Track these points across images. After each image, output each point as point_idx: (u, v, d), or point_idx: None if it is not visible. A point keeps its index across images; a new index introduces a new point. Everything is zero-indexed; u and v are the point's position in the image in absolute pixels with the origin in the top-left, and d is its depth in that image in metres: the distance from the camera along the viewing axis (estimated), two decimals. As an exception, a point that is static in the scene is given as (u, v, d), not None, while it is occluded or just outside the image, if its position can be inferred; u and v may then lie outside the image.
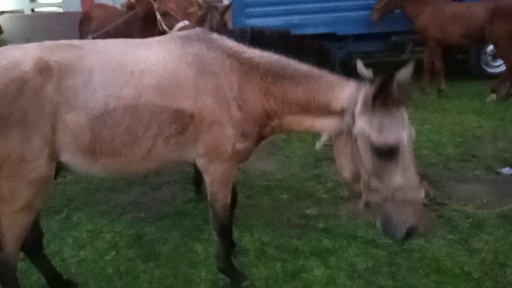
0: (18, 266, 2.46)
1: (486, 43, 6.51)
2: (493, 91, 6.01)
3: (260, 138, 2.30)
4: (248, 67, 2.10)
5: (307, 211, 3.40)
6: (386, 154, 1.80)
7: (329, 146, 4.67)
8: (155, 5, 3.89)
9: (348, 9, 6.48)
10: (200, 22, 3.86)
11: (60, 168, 2.10)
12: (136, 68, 2.02)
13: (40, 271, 2.56)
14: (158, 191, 3.89)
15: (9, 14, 12.61)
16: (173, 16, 3.79)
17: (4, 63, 1.84)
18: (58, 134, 1.93)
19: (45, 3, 13.90)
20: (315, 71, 2.04)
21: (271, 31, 2.19)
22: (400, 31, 6.74)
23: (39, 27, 12.64)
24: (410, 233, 1.84)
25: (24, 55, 1.89)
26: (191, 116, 2.06)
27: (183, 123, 2.07)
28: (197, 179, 3.65)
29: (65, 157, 2.02)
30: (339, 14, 6.55)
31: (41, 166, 1.92)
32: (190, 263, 2.83)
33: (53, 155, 1.97)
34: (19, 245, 2.15)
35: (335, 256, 2.83)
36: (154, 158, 2.13)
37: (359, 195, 2.01)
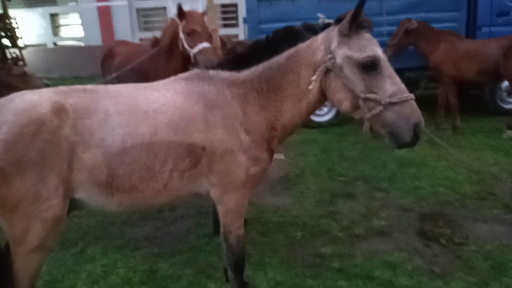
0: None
1: (501, 80, 6.51)
2: (509, 128, 5.97)
3: (271, 155, 2.39)
4: (245, 89, 2.28)
5: (322, 250, 3.35)
6: (371, 67, 2.03)
7: (343, 182, 4.67)
8: (182, 25, 4.03)
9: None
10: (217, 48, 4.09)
11: (72, 207, 2.12)
12: (149, 108, 2.13)
13: None
14: (172, 225, 3.89)
15: (33, 48, 13.13)
16: (198, 36, 3.95)
17: (22, 106, 1.91)
18: (74, 173, 1.99)
19: (67, 37, 14.47)
20: (292, 50, 2.24)
21: (242, 48, 2.47)
22: (414, 68, 6.81)
23: (60, 59, 13.14)
24: (417, 130, 2.00)
25: (41, 98, 1.98)
26: (203, 148, 2.17)
27: (196, 156, 2.17)
28: (215, 214, 3.64)
29: (80, 194, 2.07)
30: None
31: (55, 205, 1.96)
32: (204, 302, 2.80)
33: (68, 193, 2.02)
34: (33, 283, 2.15)
35: (351, 298, 2.77)
36: (170, 192, 2.20)
37: (360, 123, 2.19)
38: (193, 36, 3.97)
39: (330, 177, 4.86)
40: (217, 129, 2.19)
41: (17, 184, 1.86)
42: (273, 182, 4.81)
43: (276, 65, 2.26)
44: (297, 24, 2.33)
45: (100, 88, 2.23)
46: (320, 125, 6.82)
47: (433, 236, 3.50)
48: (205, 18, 4.22)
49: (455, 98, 6.18)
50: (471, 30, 6.86)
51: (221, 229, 2.46)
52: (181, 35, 4.05)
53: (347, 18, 2.05)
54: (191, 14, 4.13)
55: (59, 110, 1.95)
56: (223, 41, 4.64)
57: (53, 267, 3.27)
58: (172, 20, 4.33)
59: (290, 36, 2.26)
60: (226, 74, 2.32)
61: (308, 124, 6.82)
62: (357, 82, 2.05)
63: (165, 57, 4.32)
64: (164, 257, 3.35)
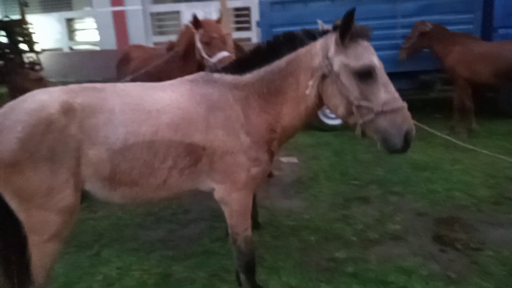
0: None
1: (517, 82, 6.41)
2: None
3: (271, 156, 2.45)
4: (247, 92, 2.36)
5: (336, 254, 3.34)
6: (366, 75, 2.10)
7: (357, 185, 4.65)
8: (198, 34, 4.05)
9: (376, 48, 6.53)
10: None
11: (83, 198, 2.26)
12: (153, 108, 2.22)
13: None
14: (186, 228, 3.92)
15: (49, 52, 13.36)
16: (216, 46, 3.97)
17: (33, 106, 2.04)
18: (82, 167, 2.12)
19: (82, 42, 14.69)
20: (292, 55, 2.32)
21: (245, 53, 2.59)
22: (428, 70, 6.75)
23: (76, 63, 13.36)
24: (407, 137, 2.09)
25: (50, 98, 2.09)
26: (203, 148, 2.26)
27: (196, 155, 2.27)
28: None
29: (88, 187, 2.21)
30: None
31: (67, 196, 2.10)
32: (217, 305, 2.81)
33: (78, 185, 2.15)
34: (49, 278, 2.27)
35: (365, 303, 2.75)
36: (169, 187, 2.32)
37: (355, 127, 2.24)
38: (212, 45, 4.00)
39: (344, 181, 4.84)
40: (218, 130, 2.27)
41: (31, 177, 2.00)
42: (286, 185, 4.81)
43: (277, 69, 2.33)
44: (310, 27, 2.37)
45: (109, 86, 2.32)
46: (333, 128, 6.80)
47: (448, 241, 3.45)
48: (221, 26, 4.25)
49: (470, 101, 6.11)
50: (487, 32, 6.77)
51: (229, 231, 2.54)
52: (198, 45, 4.07)
53: (341, 27, 2.12)
54: (208, 22, 4.15)
55: (67, 110, 2.07)
56: (238, 45, 4.66)
57: (69, 269, 3.31)
58: (187, 27, 4.37)
59: (290, 41, 2.33)
60: (229, 77, 2.40)
61: (321, 127, 6.82)
62: (353, 89, 2.13)
63: (180, 62, 4.36)
64: (178, 260, 3.37)
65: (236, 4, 13.17)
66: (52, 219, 2.10)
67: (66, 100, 2.10)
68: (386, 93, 2.11)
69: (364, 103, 2.11)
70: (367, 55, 2.13)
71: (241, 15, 13.37)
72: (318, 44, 2.26)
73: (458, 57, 6.01)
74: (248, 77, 2.38)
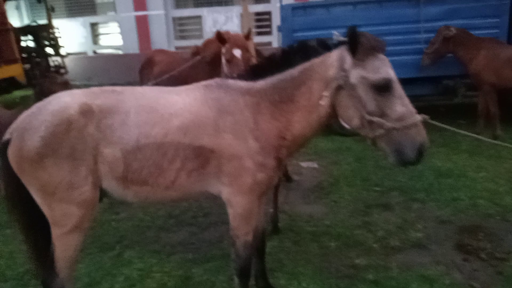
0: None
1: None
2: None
3: (279, 163, 2.44)
4: (258, 99, 2.38)
5: (357, 261, 3.31)
6: (384, 88, 2.11)
7: (378, 192, 4.60)
8: (224, 49, 4.07)
9: (399, 53, 6.47)
10: None
11: (103, 195, 2.39)
12: (165, 112, 2.31)
13: None
14: (206, 231, 3.95)
15: (74, 56, 13.70)
16: (237, 64, 3.94)
17: (56, 107, 2.21)
18: (99, 165, 2.26)
19: (106, 46, 15.00)
20: (306, 65, 2.33)
21: (259, 61, 2.65)
22: (452, 75, 6.63)
23: (100, 67, 13.64)
24: (421, 151, 2.11)
25: (72, 100, 2.25)
26: (212, 151, 2.31)
27: (205, 158, 2.32)
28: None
29: (105, 184, 2.34)
30: (389, 58, 6.56)
31: (86, 191, 2.24)
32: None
33: (96, 182, 2.29)
34: (72, 270, 2.43)
35: (386, 312, 2.73)
36: (178, 188, 2.38)
37: (366, 138, 2.25)
38: (233, 63, 3.96)
39: (365, 187, 4.79)
40: (226, 133, 2.31)
41: (54, 173, 2.17)
42: (306, 191, 4.80)
43: (290, 77, 2.35)
44: (331, 32, 2.36)
45: (128, 90, 2.43)
46: (354, 133, 6.74)
47: (472, 250, 3.39)
48: (248, 42, 4.15)
49: (495, 107, 5.96)
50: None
51: (230, 232, 2.57)
52: (222, 60, 4.08)
53: (357, 42, 2.12)
54: (234, 38, 4.10)
55: (86, 111, 2.21)
56: (257, 50, 4.68)
57: (91, 269, 3.39)
58: (219, 33, 4.38)
59: (304, 51, 2.35)
60: (243, 83, 2.45)
61: (342, 133, 6.76)
62: (369, 102, 2.14)
63: (207, 67, 4.41)
64: (198, 263, 3.41)
65: (257, 9, 13.22)
66: (72, 211, 2.25)
67: (85, 101, 2.24)
68: (402, 106, 2.12)
69: (374, 119, 2.12)
70: (385, 68, 2.14)
71: (262, 20, 13.42)
72: (334, 55, 2.27)
73: (484, 62, 5.88)
74: (261, 83, 2.41)
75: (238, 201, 2.43)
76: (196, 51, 4.63)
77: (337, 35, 2.32)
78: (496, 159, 5.37)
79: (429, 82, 6.68)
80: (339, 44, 2.28)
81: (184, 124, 2.29)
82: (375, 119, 2.12)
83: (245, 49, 4.04)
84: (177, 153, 2.28)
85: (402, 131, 2.10)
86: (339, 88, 2.21)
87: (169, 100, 2.37)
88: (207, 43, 4.55)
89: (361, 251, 3.47)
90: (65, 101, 2.24)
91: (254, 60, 4.09)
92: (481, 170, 5.03)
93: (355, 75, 2.16)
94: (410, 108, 2.13)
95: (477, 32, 6.14)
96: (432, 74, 6.53)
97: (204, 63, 4.43)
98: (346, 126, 2.35)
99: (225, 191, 2.42)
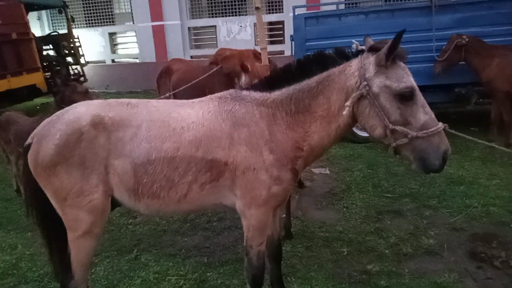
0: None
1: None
2: None
3: (295, 175, 2.42)
4: (274, 109, 2.38)
5: (369, 267, 3.35)
6: (408, 97, 2.11)
7: (390, 198, 4.61)
8: (244, 76, 4.33)
9: (411, 61, 6.48)
10: None
11: (116, 204, 2.45)
12: (178, 125, 2.33)
13: None
14: (220, 236, 4.03)
15: (93, 64, 14.01)
16: (254, 78, 4.18)
17: (71, 117, 2.31)
18: (110, 176, 2.31)
19: (124, 54, 15.29)
20: (323, 74, 2.31)
21: (275, 71, 2.62)
22: (464, 83, 6.62)
23: (118, 75, 13.93)
24: (445, 157, 2.11)
25: (86, 111, 2.33)
26: (226, 163, 2.31)
27: (218, 170, 2.32)
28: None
29: (116, 195, 2.38)
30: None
31: (97, 199, 2.30)
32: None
33: (108, 192, 2.35)
34: (86, 273, 2.51)
35: (397, 317, 2.76)
36: (191, 201, 2.39)
37: (388, 147, 2.24)
38: (251, 76, 4.26)
39: (377, 193, 4.83)
40: (241, 146, 2.29)
41: (65, 180, 2.25)
42: (319, 196, 4.85)
43: (307, 87, 2.33)
44: (343, 41, 2.39)
45: (143, 103, 2.48)
46: (366, 140, 6.78)
47: (486, 258, 3.39)
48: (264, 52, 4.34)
49: (509, 115, 5.93)
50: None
51: (244, 242, 2.57)
52: (242, 85, 4.30)
53: (385, 50, 2.11)
54: (256, 71, 4.33)
55: (97, 123, 2.27)
56: (269, 59, 4.82)
57: (109, 272, 3.50)
58: (240, 52, 4.61)
59: (321, 61, 2.34)
60: (257, 94, 2.43)
61: (354, 139, 6.80)
62: (393, 111, 2.13)
63: (223, 77, 4.60)
64: (213, 267, 3.48)
65: (271, 19, 13.39)
66: (83, 217, 2.32)
67: (98, 113, 2.31)
68: (425, 114, 2.11)
69: (398, 128, 2.10)
70: (407, 77, 2.14)
71: (275, 29, 13.57)
72: (354, 64, 2.25)
73: (497, 70, 5.86)
74: (276, 94, 2.39)
75: (252, 213, 2.40)
76: (214, 61, 4.80)
77: (357, 44, 2.32)
78: (509, 167, 5.34)
79: (441, 89, 6.69)
80: (358, 53, 2.27)
81: (197, 138, 2.29)
82: (399, 128, 2.10)
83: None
84: (189, 167, 2.29)
85: (425, 139, 2.09)
86: (361, 97, 2.19)
87: (182, 114, 2.38)
88: (227, 57, 4.72)
89: (373, 257, 3.50)
90: (79, 112, 2.33)
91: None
92: (494, 178, 5.02)
93: (378, 84, 2.14)
94: (433, 116, 2.13)
95: (489, 40, 6.14)
96: (444, 82, 6.54)
97: (222, 74, 4.61)
98: (367, 135, 2.35)
99: (239, 203, 2.41)
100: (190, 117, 2.36)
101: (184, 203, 2.38)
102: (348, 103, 2.21)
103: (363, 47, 2.27)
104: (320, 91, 2.31)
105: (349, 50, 2.32)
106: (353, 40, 2.35)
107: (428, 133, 2.08)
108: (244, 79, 4.28)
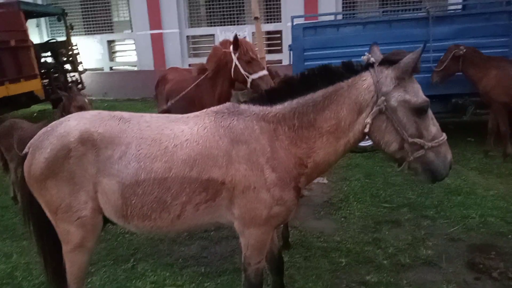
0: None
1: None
2: None
3: (298, 193, 2.32)
4: (275, 124, 2.25)
5: (367, 278, 3.34)
6: (423, 111, 2.10)
7: (388, 208, 4.60)
8: (236, 54, 4.30)
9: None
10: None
11: (107, 221, 2.41)
12: (170, 144, 2.22)
13: None
14: (218, 245, 4.01)
15: (91, 72, 14.03)
16: (257, 64, 4.30)
17: (62, 131, 2.26)
18: (98, 194, 2.26)
19: (122, 62, 15.32)
20: (330, 88, 2.21)
21: (277, 84, 2.51)
22: (461, 93, 6.67)
23: (116, 83, 13.96)
24: (451, 166, 2.17)
25: (75, 126, 2.26)
26: (223, 183, 2.20)
27: (215, 190, 2.21)
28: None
29: (106, 213, 2.33)
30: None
31: (85, 216, 2.28)
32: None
33: (97, 209, 2.30)
34: (81, 284, 2.50)
35: (396, 328, 2.74)
36: (185, 222, 2.29)
37: (402, 161, 2.20)
38: (253, 64, 4.29)
39: (374, 203, 4.82)
40: (240, 164, 2.18)
41: (55, 194, 2.24)
42: (316, 206, 4.84)
43: (312, 102, 2.22)
44: (341, 51, 2.37)
45: (135, 117, 2.37)
46: (364, 150, 6.79)
47: (484, 269, 3.38)
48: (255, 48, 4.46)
49: (506, 125, 5.96)
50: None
51: (242, 259, 2.46)
52: (237, 62, 4.31)
53: (410, 64, 2.06)
54: (246, 43, 4.40)
55: (86, 140, 2.21)
56: (271, 70, 4.86)
57: (105, 281, 3.47)
58: (216, 48, 4.59)
59: (327, 75, 2.24)
60: (257, 108, 2.30)
61: (352, 149, 6.81)
62: (410, 124, 2.10)
63: (209, 85, 4.58)
64: (210, 277, 3.46)
65: (269, 28, 13.47)
66: (73, 231, 2.31)
67: (88, 129, 2.23)
68: (433, 125, 2.13)
69: (417, 140, 2.09)
70: (421, 91, 2.12)
71: (273, 38, 13.65)
72: (367, 78, 2.16)
73: (494, 81, 5.90)
74: (278, 108, 2.26)
75: (251, 233, 2.30)
76: (202, 69, 4.76)
77: (368, 56, 2.23)
78: (506, 177, 5.36)
79: (438, 100, 6.72)
80: (367, 66, 2.19)
81: (191, 157, 2.17)
82: (417, 140, 2.09)
83: (256, 53, 4.38)
84: (182, 187, 2.18)
85: (434, 149, 2.12)
86: (378, 112, 2.12)
87: (175, 131, 2.26)
88: (208, 59, 4.70)
89: (371, 267, 3.49)
90: (69, 126, 2.26)
91: (263, 62, 4.42)
92: (491, 188, 5.03)
93: (396, 98, 2.09)
94: (439, 127, 2.16)
95: (486, 51, 6.19)
96: (441, 92, 6.58)
97: (207, 80, 4.59)
98: (365, 145, 2.33)
99: (238, 223, 2.31)
100: (184, 134, 2.24)
101: (178, 224, 2.28)
102: (368, 119, 2.13)
103: (373, 59, 2.20)
104: (327, 106, 2.20)
105: (357, 63, 2.25)
106: (366, 53, 2.26)
107: (439, 142, 2.12)
108: (236, 62, 4.29)
